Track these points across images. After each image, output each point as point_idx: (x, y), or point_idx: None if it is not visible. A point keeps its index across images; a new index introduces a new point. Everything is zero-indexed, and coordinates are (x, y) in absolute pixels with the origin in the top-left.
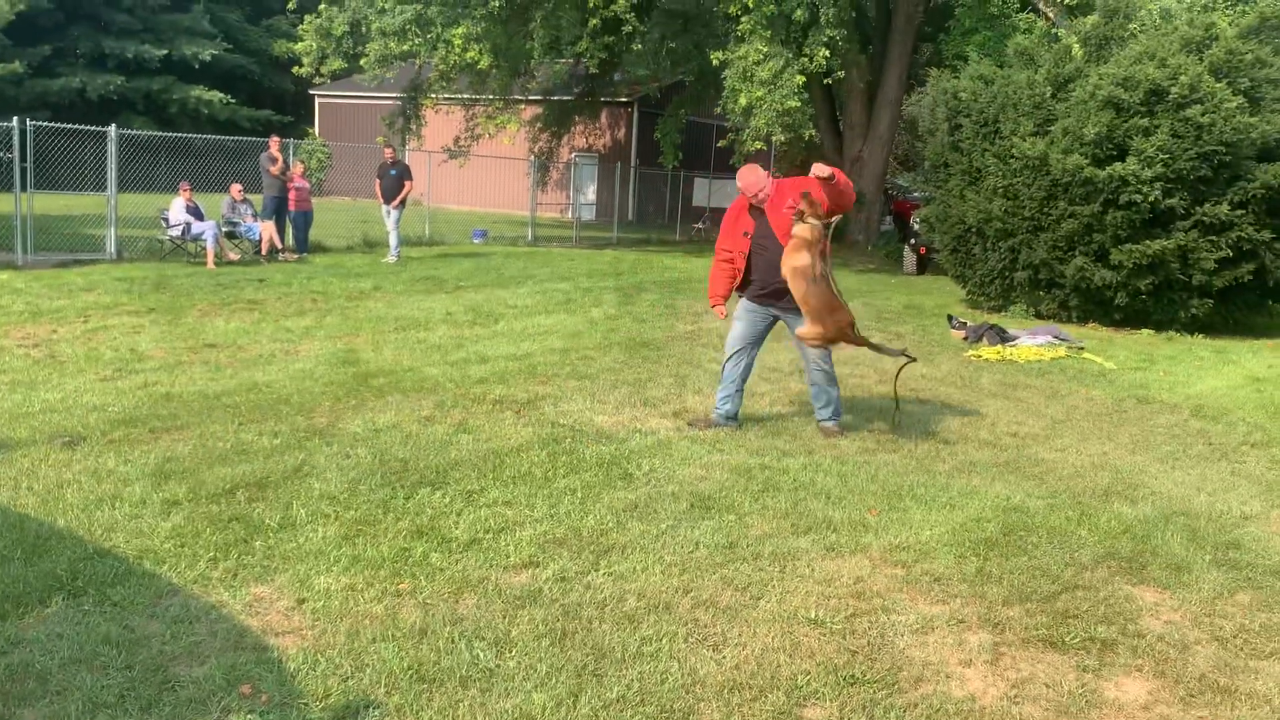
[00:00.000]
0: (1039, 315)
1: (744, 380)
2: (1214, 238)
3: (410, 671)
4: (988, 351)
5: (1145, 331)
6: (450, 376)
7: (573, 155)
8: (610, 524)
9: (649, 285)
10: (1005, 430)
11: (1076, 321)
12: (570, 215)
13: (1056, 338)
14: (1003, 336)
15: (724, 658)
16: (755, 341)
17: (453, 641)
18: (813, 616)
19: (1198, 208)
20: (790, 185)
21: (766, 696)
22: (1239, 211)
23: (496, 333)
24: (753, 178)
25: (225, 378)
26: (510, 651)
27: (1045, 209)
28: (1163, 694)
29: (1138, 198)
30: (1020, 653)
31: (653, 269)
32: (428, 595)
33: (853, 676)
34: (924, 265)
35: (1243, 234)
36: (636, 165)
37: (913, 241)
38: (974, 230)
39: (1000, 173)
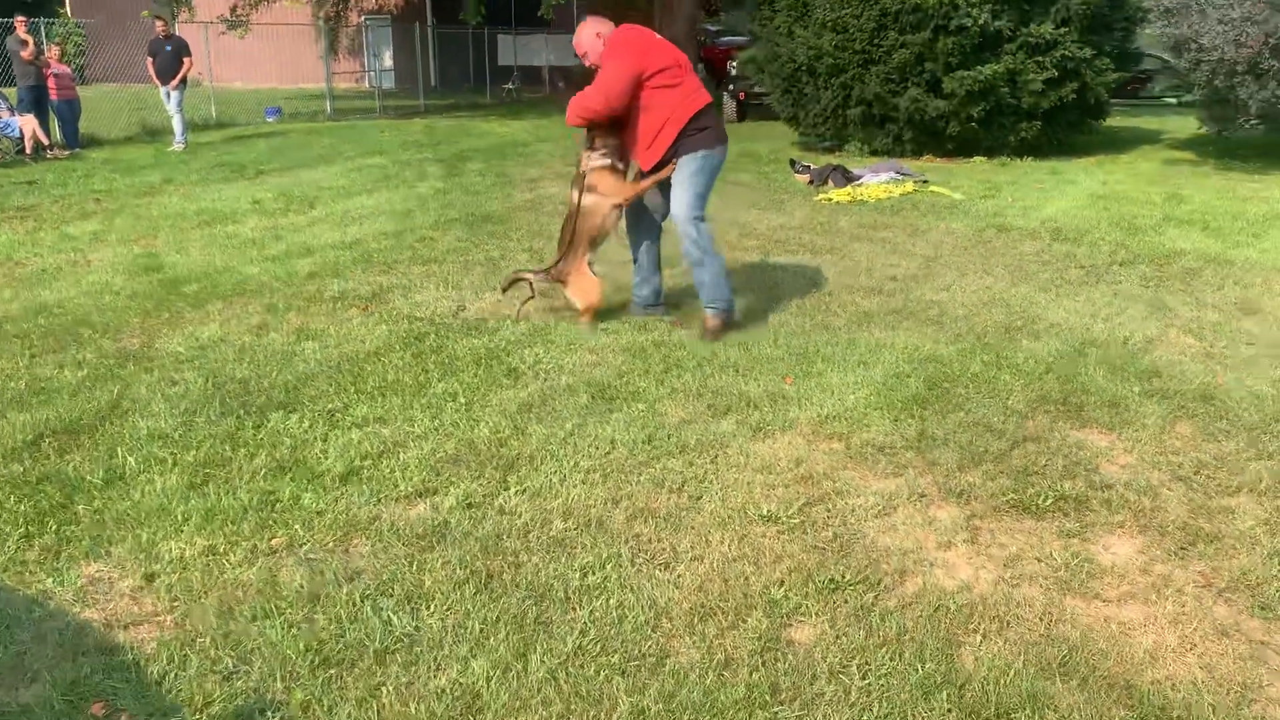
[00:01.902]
0: (874, 152)
1: (648, 258)
2: (1040, 58)
3: (309, 654)
4: (838, 194)
5: (978, 159)
6: (274, 274)
7: (363, 19)
8: (507, 431)
9: (472, 153)
10: (884, 275)
11: (911, 155)
12: (368, 84)
13: (899, 173)
14: (848, 176)
15: (681, 578)
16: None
17: (354, 606)
18: (764, 512)
19: (1023, 29)
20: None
21: (745, 620)
22: (1062, 30)
23: (315, 219)
24: (576, 38)
25: (4, 301)
26: (429, 608)
27: (876, 40)
28: (1154, 550)
29: (968, 21)
30: (995, 524)
31: (471, 135)
32: (309, 548)
33: (832, 581)
34: (744, 111)
35: (1066, 52)
36: (434, 25)
37: (731, 88)
38: (804, 69)
39: (828, 5)
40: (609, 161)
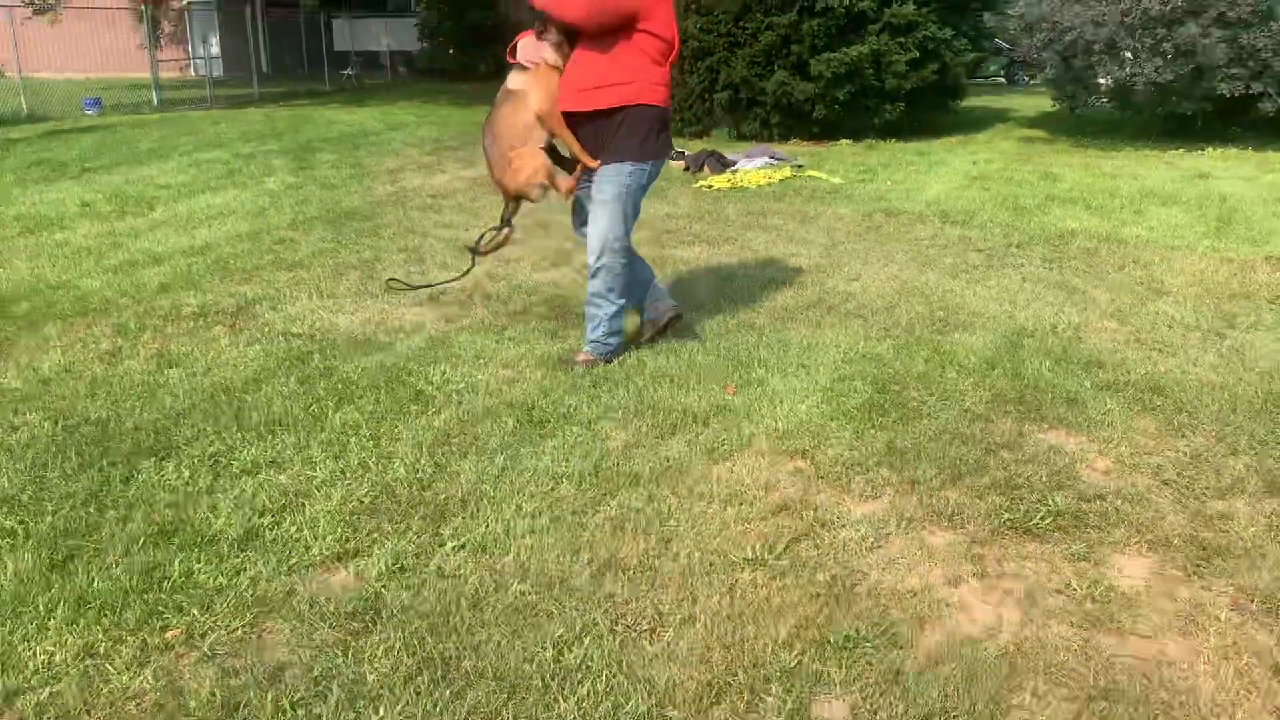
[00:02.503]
0: (741, 136)
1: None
2: (902, 39)
3: None
4: (717, 180)
5: (844, 142)
6: (120, 288)
7: (186, 2)
8: (428, 469)
9: (320, 144)
10: (788, 265)
11: (779, 139)
12: (195, 72)
13: (774, 158)
14: (723, 162)
15: (675, 648)
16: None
17: (284, 716)
18: (749, 555)
19: (886, 9)
20: None
21: (763, 698)
22: (923, 10)
23: (157, 222)
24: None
25: None
26: (377, 713)
27: (741, 23)
28: (1169, 570)
29: (833, 2)
30: (998, 550)
31: (316, 125)
32: (214, 639)
33: (847, 639)
34: None
35: (927, 33)
36: (264, 9)
37: None
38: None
39: None
40: (555, 58)
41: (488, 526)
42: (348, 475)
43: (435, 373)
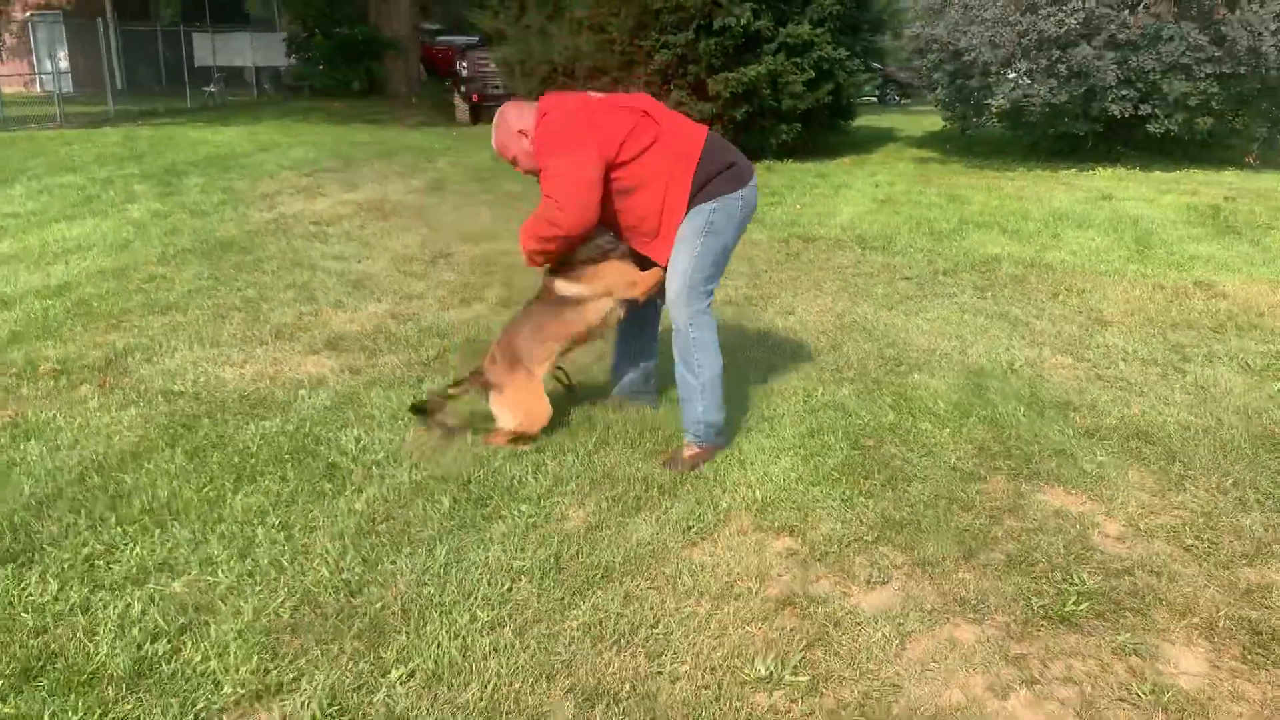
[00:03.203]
0: None
1: (636, 353)
2: (798, 59)
3: None
4: None
5: None
6: None
7: (28, 14)
8: (357, 568)
9: (186, 167)
10: (717, 297)
11: None
12: (42, 88)
13: None
14: None
15: None
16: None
17: None
18: (761, 672)
19: (782, 29)
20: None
21: None
22: (818, 30)
23: (5, 256)
24: (498, 141)
25: None
26: None
27: (637, 40)
28: (1227, 661)
29: (730, 22)
30: (1040, 648)
31: (179, 146)
32: None
33: None
34: (479, 114)
35: (823, 53)
36: (116, 21)
37: (463, 89)
38: (561, 70)
39: (584, 3)
40: (617, 247)
41: (439, 645)
42: (259, 580)
43: (348, 439)
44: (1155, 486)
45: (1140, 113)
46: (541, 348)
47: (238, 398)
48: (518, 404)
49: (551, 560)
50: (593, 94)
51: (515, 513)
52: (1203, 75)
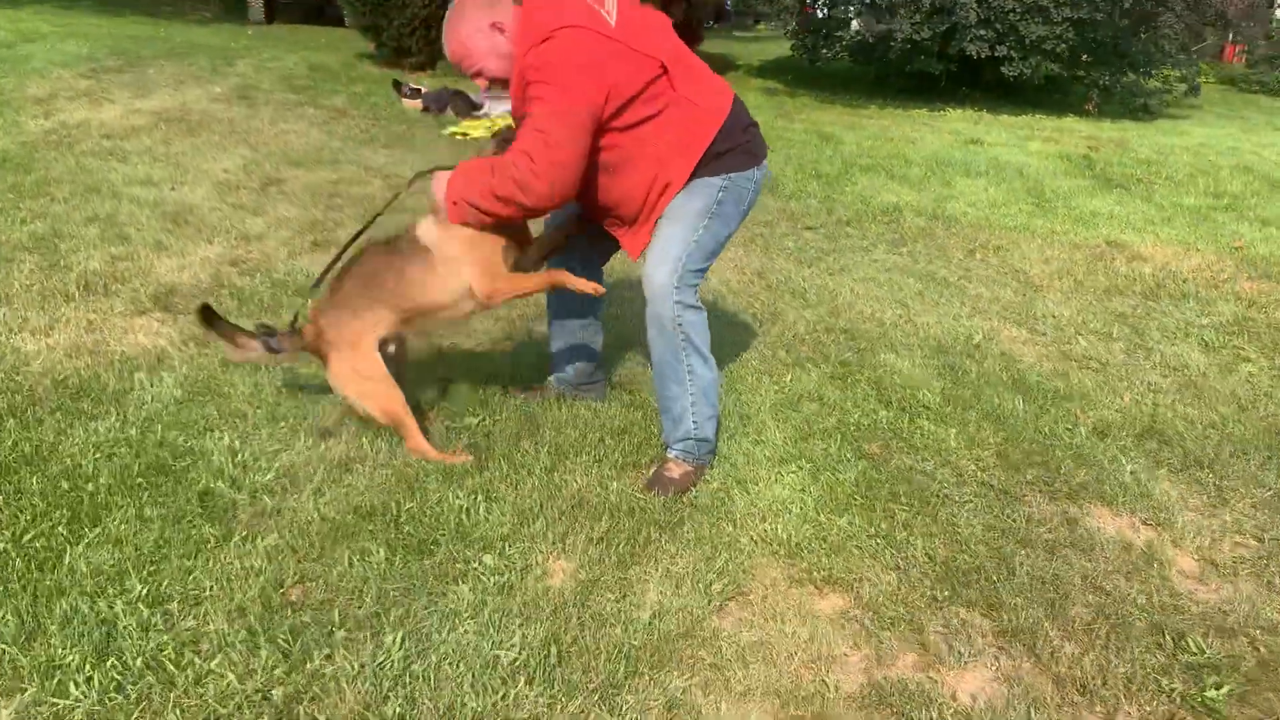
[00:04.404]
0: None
1: (580, 333)
2: None
3: None
4: (471, 126)
5: None
6: None
7: None
8: (278, 670)
9: None
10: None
11: None
12: None
13: None
14: (469, 103)
15: None
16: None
17: None
18: None
19: None
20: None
21: None
22: None
23: None
24: (451, 36)
25: None
26: None
27: None
28: None
29: None
30: None
31: None
32: None
33: None
34: (274, 11)
35: None
36: None
37: None
38: None
39: None
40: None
41: None
42: (134, 700)
43: (218, 450)
44: (1199, 503)
45: (996, 54)
46: (365, 314)
47: (51, 384)
48: (357, 387)
49: (550, 647)
50: (605, 13)
51: (478, 568)
52: (1060, 20)
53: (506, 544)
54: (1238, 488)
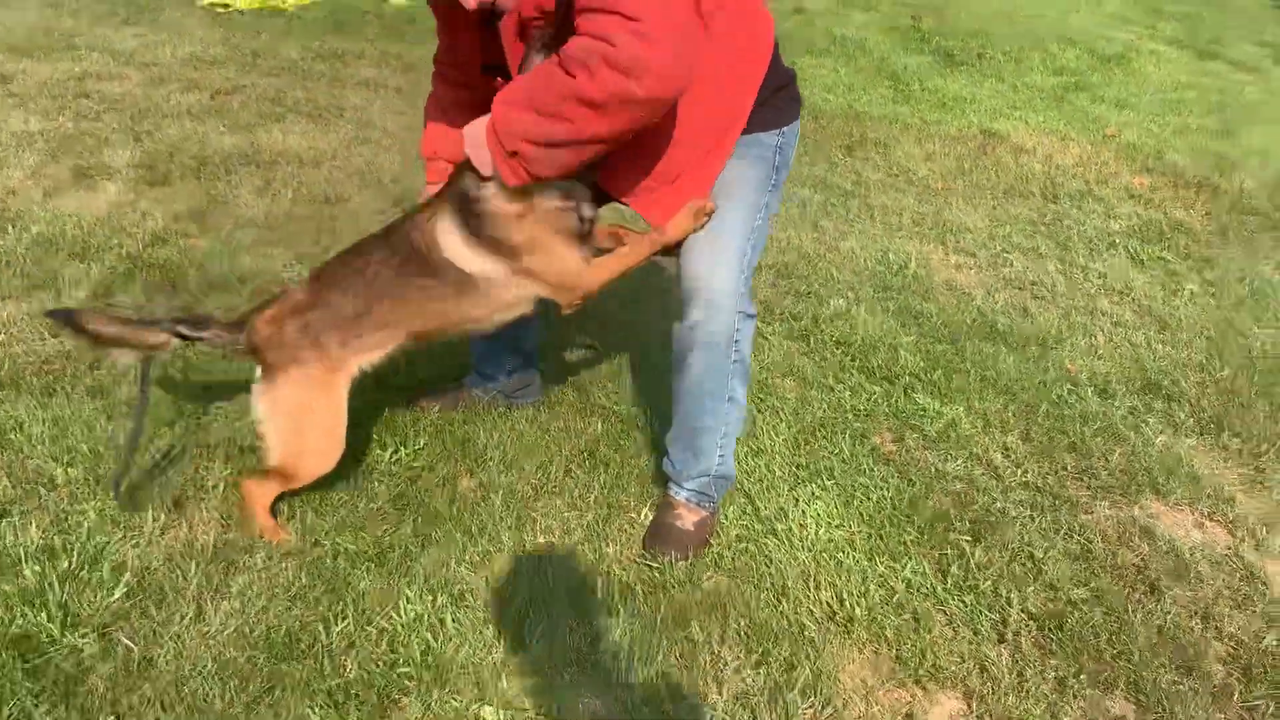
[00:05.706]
0: None
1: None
2: None
3: None
4: None
5: None
6: None
7: None
8: None
9: None
10: None
11: None
12: None
13: None
14: None
15: None
16: None
17: None
18: None
19: None
20: None
21: None
22: None
23: None
24: None
25: None
26: None
27: None
28: None
29: None
30: None
31: None
32: None
33: None
34: None
35: None
36: None
37: None
38: None
39: None
40: (565, 204)
41: None
42: None
43: (11, 533)
44: (1235, 479)
45: None
46: (377, 334)
47: None
48: (294, 418)
49: None
50: None
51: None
52: None
53: (503, 676)
54: (1265, 451)
